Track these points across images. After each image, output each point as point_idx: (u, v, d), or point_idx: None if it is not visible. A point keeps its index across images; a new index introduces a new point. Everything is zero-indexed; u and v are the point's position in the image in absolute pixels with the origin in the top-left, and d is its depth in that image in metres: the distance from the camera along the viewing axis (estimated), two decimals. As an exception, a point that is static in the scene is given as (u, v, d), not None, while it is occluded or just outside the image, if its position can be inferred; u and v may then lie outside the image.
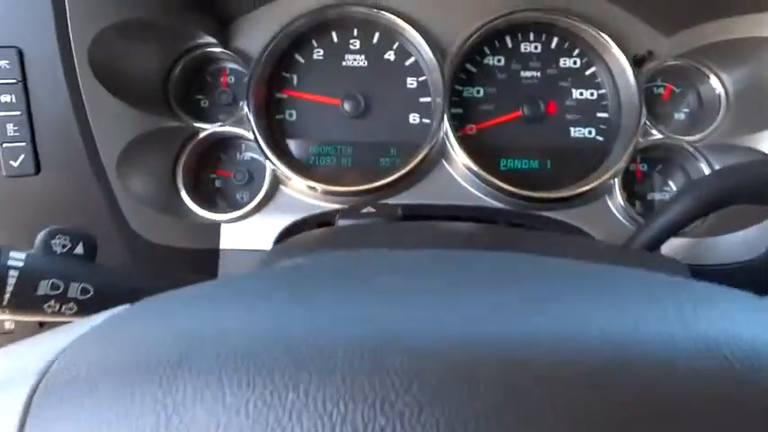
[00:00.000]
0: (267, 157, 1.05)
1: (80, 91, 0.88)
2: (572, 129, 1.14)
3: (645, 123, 1.07)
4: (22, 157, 0.85)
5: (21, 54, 0.85)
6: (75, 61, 0.87)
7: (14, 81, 0.84)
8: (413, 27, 1.07)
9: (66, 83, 0.86)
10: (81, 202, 0.90)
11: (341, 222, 0.80)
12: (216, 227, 1.06)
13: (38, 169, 0.87)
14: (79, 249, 0.69)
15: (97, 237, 0.65)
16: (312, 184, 1.05)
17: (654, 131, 1.07)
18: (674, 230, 0.80)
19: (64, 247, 0.68)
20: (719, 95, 1.08)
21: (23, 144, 0.85)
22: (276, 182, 1.08)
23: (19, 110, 0.85)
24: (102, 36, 0.89)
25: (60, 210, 0.90)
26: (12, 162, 0.86)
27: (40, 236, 0.66)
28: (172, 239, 0.99)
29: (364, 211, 0.82)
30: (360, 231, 0.76)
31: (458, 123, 1.13)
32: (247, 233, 1.06)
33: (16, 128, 0.85)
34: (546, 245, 0.72)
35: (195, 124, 1.08)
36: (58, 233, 0.67)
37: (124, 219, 0.92)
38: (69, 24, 0.86)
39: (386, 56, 1.14)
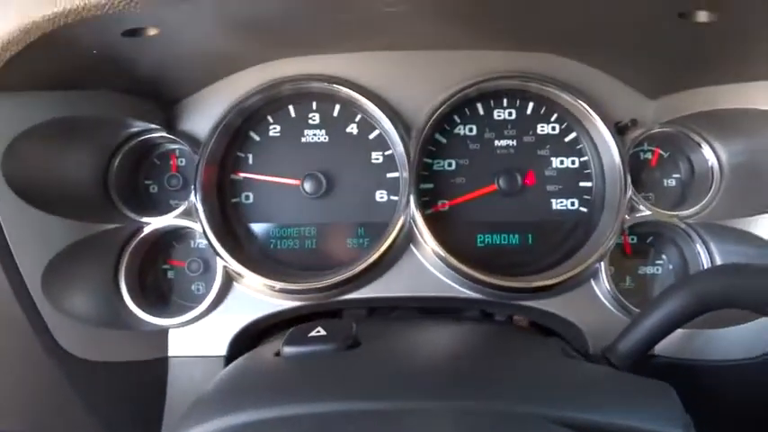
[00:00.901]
0: (217, 253, 0.94)
1: (-7, 206, 0.77)
2: (553, 200, 1.04)
3: (631, 197, 0.95)
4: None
5: None
6: (-14, 175, 0.77)
7: None
8: (372, 101, 0.97)
9: (-25, 199, 0.76)
10: (3, 328, 0.79)
11: (286, 351, 0.69)
12: (163, 333, 0.95)
13: (-50, 296, 0.76)
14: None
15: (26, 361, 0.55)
16: (268, 282, 0.94)
17: (641, 207, 0.97)
18: (666, 332, 0.69)
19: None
20: (712, 167, 0.98)
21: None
22: (229, 279, 0.98)
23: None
24: (21, 142, 0.79)
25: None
26: None
27: None
28: (113, 354, 0.89)
29: (313, 334, 0.71)
30: (305, 367, 0.65)
31: (429, 199, 1.03)
32: (198, 337, 0.96)
33: None
34: (524, 370, 0.62)
35: (140, 219, 0.97)
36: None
37: (54, 340, 0.82)
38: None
39: (348, 129, 1.04)
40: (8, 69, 0.68)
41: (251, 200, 1.04)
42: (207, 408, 0.59)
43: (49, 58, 0.69)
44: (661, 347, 0.90)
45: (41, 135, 0.81)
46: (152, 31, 0.69)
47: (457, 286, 0.96)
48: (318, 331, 0.71)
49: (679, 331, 0.88)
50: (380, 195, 1.03)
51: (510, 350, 0.78)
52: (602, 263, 0.94)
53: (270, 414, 0.55)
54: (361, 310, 1.06)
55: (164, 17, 0.63)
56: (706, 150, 0.97)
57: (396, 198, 1.01)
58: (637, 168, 1.00)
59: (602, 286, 0.94)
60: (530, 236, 1.03)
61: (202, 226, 0.95)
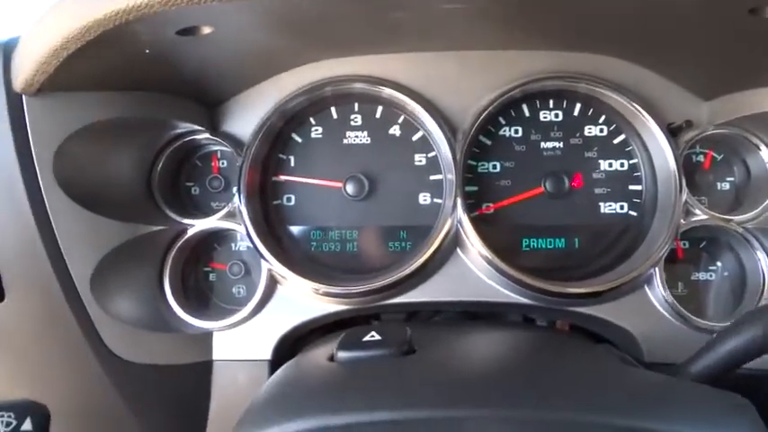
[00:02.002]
0: (262, 256, 0.93)
1: (45, 207, 0.77)
2: (601, 204, 1.00)
3: (686, 201, 0.92)
4: (-18, 285, 0.74)
5: (-25, 174, 0.74)
6: (39, 176, 0.76)
7: (-31, 205, 0.73)
8: (416, 101, 0.95)
9: (28, 200, 0.75)
10: (52, 329, 0.78)
11: (340, 356, 0.67)
12: (208, 336, 0.94)
13: (1, 296, 0.76)
14: (27, 425, 0.57)
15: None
16: (313, 285, 0.92)
17: (697, 211, 0.93)
18: (749, 358, 0.65)
19: (8, 425, 0.56)
20: (772, 169, 0.93)
21: (-17, 271, 0.74)
22: (273, 282, 0.96)
23: (-24, 234, 0.73)
24: (71, 143, 0.78)
25: (28, 339, 0.78)
26: (-29, 291, 0.74)
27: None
28: (159, 357, 0.87)
29: (367, 339, 0.69)
30: (363, 373, 0.63)
31: (473, 202, 1.00)
32: (243, 341, 0.95)
33: (-26, 254, 0.73)
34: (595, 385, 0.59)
35: (183, 221, 0.96)
36: (0, 410, 0.55)
37: (101, 342, 0.81)
38: (30, 135, 0.75)
39: (391, 131, 1.02)
40: (64, 69, 0.67)
41: (292, 202, 1.02)
42: (265, 414, 0.57)
43: (103, 57, 0.68)
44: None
45: (91, 136, 0.81)
46: (206, 30, 0.67)
47: (504, 290, 0.94)
48: (373, 336, 0.68)
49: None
50: (423, 198, 1.00)
51: (567, 357, 0.75)
52: (657, 268, 0.91)
53: (332, 421, 0.53)
54: (400, 313, 1.04)
55: (221, 15, 0.62)
56: (764, 152, 0.93)
57: (439, 201, 0.99)
58: (689, 171, 0.97)
59: (656, 292, 0.91)
60: (576, 239, 1.00)
61: (246, 228, 0.93)
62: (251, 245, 0.95)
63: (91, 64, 0.70)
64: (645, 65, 0.96)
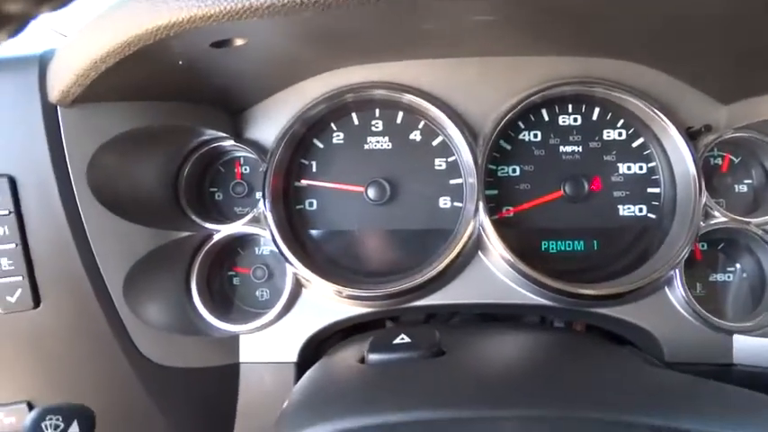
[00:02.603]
0: (287, 260, 0.94)
1: (80, 215, 0.78)
2: (620, 207, 1.01)
3: (705, 204, 0.92)
4: (19, 291, 0.76)
5: (13, 182, 0.76)
6: (73, 184, 0.77)
7: (7, 212, 0.75)
8: (437, 107, 0.96)
9: (63, 209, 0.77)
10: (86, 334, 0.80)
11: (371, 358, 0.68)
12: (234, 339, 0.95)
13: (37, 303, 0.77)
14: (74, 428, 0.58)
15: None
16: (337, 288, 0.93)
17: (716, 213, 0.94)
18: None
19: (56, 428, 0.58)
20: (791, 172, 0.94)
21: (20, 278, 0.76)
22: (298, 285, 0.97)
23: (13, 241, 0.75)
24: (103, 153, 0.80)
25: (63, 344, 0.80)
26: (8, 297, 0.76)
27: (30, 417, 0.56)
28: (188, 360, 0.89)
29: (397, 341, 0.70)
30: (395, 375, 0.64)
31: (493, 206, 1.01)
32: (269, 343, 0.96)
33: (11, 261, 0.76)
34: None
35: (208, 226, 0.98)
36: (48, 413, 0.57)
37: (134, 346, 0.82)
38: (65, 145, 0.77)
39: (411, 136, 1.03)
40: (100, 81, 0.69)
41: (315, 207, 1.03)
42: (301, 415, 0.58)
43: (138, 69, 0.70)
44: (741, 356, 0.87)
45: (122, 145, 0.82)
46: (239, 42, 0.69)
47: (525, 292, 0.95)
48: (402, 338, 0.70)
49: (756, 341, 0.86)
50: (444, 202, 1.01)
51: (592, 358, 0.76)
52: (678, 270, 0.92)
53: (367, 422, 0.54)
54: (419, 315, 1.05)
55: (256, 28, 0.63)
56: (784, 155, 0.94)
57: (459, 204, 1.00)
58: (707, 174, 0.97)
59: (676, 293, 0.92)
60: (595, 242, 1.01)
61: (271, 233, 0.95)
62: (274, 249, 0.96)
63: (126, 76, 0.71)
64: (664, 69, 0.97)
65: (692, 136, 0.95)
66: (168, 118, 0.89)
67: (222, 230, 0.97)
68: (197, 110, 0.94)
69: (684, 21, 0.74)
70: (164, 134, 0.91)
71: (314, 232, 1.04)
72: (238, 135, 1.02)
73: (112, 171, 0.83)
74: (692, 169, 0.92)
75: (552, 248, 1.01)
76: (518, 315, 1.06)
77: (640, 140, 1.01)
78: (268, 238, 0.97)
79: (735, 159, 1.01)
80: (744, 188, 1.01)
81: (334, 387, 0.64)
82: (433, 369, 0.64)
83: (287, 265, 0.95)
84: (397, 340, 0.69)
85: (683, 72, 0.95)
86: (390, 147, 1.02)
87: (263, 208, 0.96)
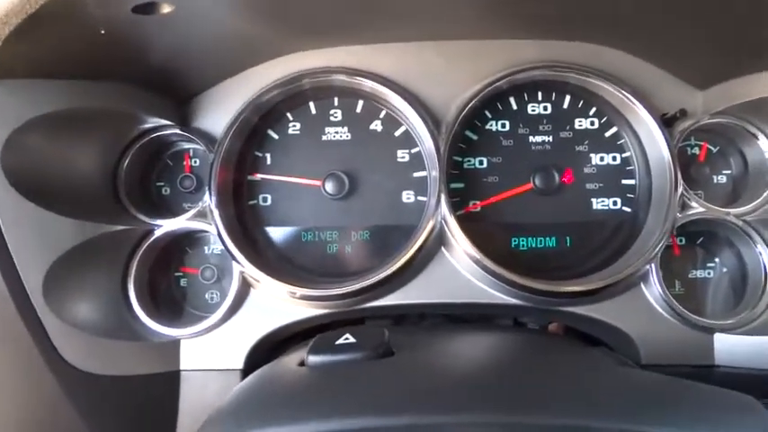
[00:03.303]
0: (234, 258, 0.86)
1: (-8, 204, 0.69)
2: (594, 200, 0.95)
3: (682, 194, 0.87)
4: None
5: None
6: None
7: None
8: (398, 94, 0.90)
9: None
10: (1, 337, 0.71)
11: (311, 360, 0.60)
12: (175, 345, 0.87)
13: (-58, 302, 0.68)
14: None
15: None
16: (289, 288, 0.86)
17: (693, 204, 0.88)
18: None
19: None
20: (769, 158, 0.88)
21: None
22: (246, 285, 0.90)
23: None
24: (22, 135, 0.71)
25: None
26: None
27: None
28: (121, 368, 0.80)
29: (341, 342, 0.63)
30: (333, 378, 0.57)
31: (459, 200, 0.95)
32: (212, 349, 0.88)
33: None
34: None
35: (148, 220, 0.89)
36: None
37: (56, 352, 0.73)
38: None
39: (372, 126, 0.97)
40: (9, 49, 0.61)
41: (269, 202, 0.97)
42: (223, 424, 0.50)
43: (53, 37, 0.62)
44: (723, 357, 0.81)
45: (46, 127, 0.74)
46: (166, 8, 0.62)
47: (493, 291, 0.88)
48: (347, 339, 0.62)
49: (738, 339, 0.80)
50: (407, 196, 0.95)
51: (555, 359, 0.69)
52: (653, 265, 0.86)
53: (297, 429, 0.47)
54: (387, 319, 0.98)
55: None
56: (763, 142, 0.89)
57: (423, 199, 0.94)
58: (684, 164, 0.92)
59: (653, 290, 0.86)
60: (568, 238, 0.95)
61: (217, 228, 0.88)
62: (223, 247, 0.88)
63: (40, 45, 0.63)
64: (637, 54, 0.92)
65: (666, 123, 0.90)
66: (104, 101, 0.82)
67: (164, 226, 0.90)
68: (138, 94, 0.87)
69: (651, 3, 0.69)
70: (100, 119, 0.83)
71: (268, 229, 0.97)
72: (186, 124, 0.95)
73: (35, 156, 0.75)
74: (667, 158, 0.87)
75: (523, 245, 0.95)
76: (491, 316, 0.99)
77: (614, 129, 0.95)
78: (214, 235, 0.89)
79: (713, 148, 0.96)
80: (723, 178, 0.96)
81: (265, 393, 0.56)
82: (377, 371, 0.56)
83: (233, 263, 0.87)
84: (341, 341, 0.61)
85: (657, 56, 0.90)
86: (350, 138, 0.96)
87: (210, 202, 0.88)
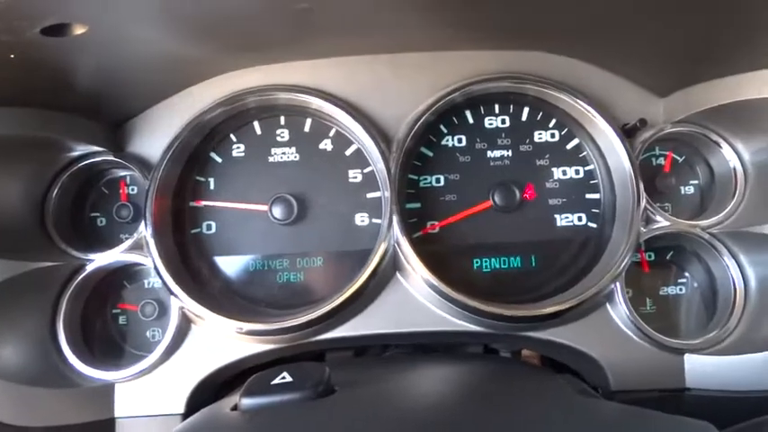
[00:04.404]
0: (172, 292, 0.86)
1: None
2: (557, 216, 0.97)
3: (646, 207, 0.88)
4: None
5: None
6: None
7: None
8: (346, 112, 0.91)
9: None
10: None
11: (244, 403, 0.60)
12: (108, 390, 0.86)
13: None
14: None
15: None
16: (234, 323, 0.85)
17: (658, 218, 0.90)
18: None
19: None
20: (735, 168, 0.92)
21: None
22: (187, 322, 0.89)
23: None
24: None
25: None
26: None
27: None
28: (48, 418, 0.79)
29: (277, 382, 0.62)
30: (265, 422, 0.56)
31: (416, 221, 0.96)
32: (150, 393, 0.87)
33: None
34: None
35: (81, 255, 0.89)
36: None
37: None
38: None
39: (321, 146, 0.98)
40: None
41: (213, 230, 0.96)
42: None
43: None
44: (694, 379, 0.81)
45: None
46: (79, 29, 0.62)
47: (452, 318, 0.89)
48: (284, 378, 0.62)
49: (709, 360, 0.80)
50: (361, 219, 0.96)
51: (513, 391, 0.69)
52: (618, 283, 0.86)
53: None
54: (347, 352, 0.98)
55: (85, 9, 0.56)
56: (726, 150, 0.91)
57: (378, 221, 0.94)
58: (649, 175, 0.94)
59: (619, 310, 0.87)
60: (533, 257, 0.96)
61: (154, 261, 0.87)
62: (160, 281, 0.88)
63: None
64: (595, 62, 0.94)
65: (627, 133, 0.92)
66: (25, 128, 0.81)
67: (96, 260, 0.88)
68: (65, 120, 0.87)
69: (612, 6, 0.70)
70: (22, 147, 0.83)
71: (213, 259, 0.96)
72: (120, 149, 0.95)
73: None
74: (629, 169, 0.89)
75: (486, 266, 0.96)
76: (457, 345, 0.99)
77: (575, 141, 0.97)
78: (152, 268, 0.88)
79: (678, 158, 0.98)
80: (690, 189, 0.98)
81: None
82: (314, 412, 0.56)
83: (172, 298, 0.86)
84: (277, 380, 0.61)
85: (616, 64, 0.93)
86: (298, 158, 0.97)
87: (146, 232, 0.88)
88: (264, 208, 0.94)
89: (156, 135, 0.93)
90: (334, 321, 0.87)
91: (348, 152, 0.97)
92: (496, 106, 0.98)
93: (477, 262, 0.96)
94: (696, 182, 0.97)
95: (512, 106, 0.97)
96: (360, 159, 0.96)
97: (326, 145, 0.97)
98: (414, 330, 0.88)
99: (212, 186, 0.96)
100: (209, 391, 0.87)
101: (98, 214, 0.98)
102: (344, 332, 0.88)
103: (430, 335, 0.89)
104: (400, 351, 1.00)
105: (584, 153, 0.96)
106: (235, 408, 0.60)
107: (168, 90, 0.94)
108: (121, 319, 0.96)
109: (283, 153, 0.97)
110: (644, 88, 0.94)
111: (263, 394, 0.59)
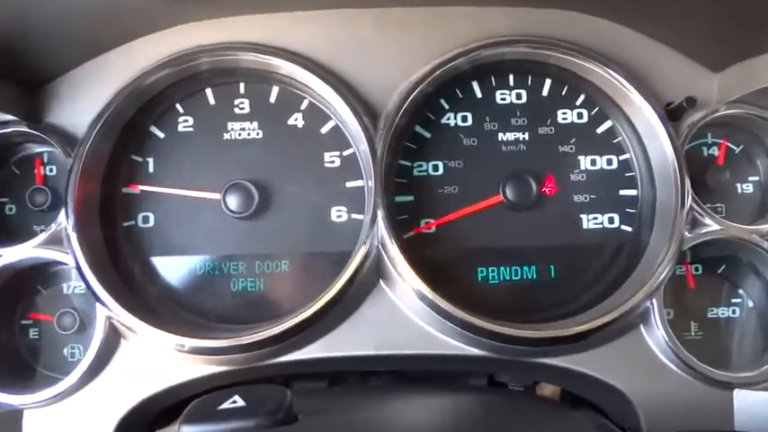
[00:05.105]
0: (98, 298, 0.87)
1: None
2: (583, 216, 0.98)
3: (692, 207, 0.90)
4: None
5: None
6: None
7: None
8: (324, 80, 0.92)
9: None
10: None
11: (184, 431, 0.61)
12: (14, 416, 0.87)
13: None
14: None
15: None
16: (175, 338, 0.87)
17: (707, 221, 0.92)
18: None
19: None
20: (806, 159, 0.93)
21: None
22: (116, 336, 0.90)
23: None
24: None
25: None
26: None
27: None
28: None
29: (226, 406, 0.64)
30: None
31: (408, 217, 0.97)
32: (69, 422, 0.88)
33: None
34: None
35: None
36: None
37: None
38: None
39: (290, 121, 0.99)
40: None
41: (151, 223, 0.98)
42: None
43: None
44: (745, 420, 0.84)
45: None
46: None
47: (449, 339, 0.90)
48: (234, 402, 0.63)
49: (765, 398, 0.83)
50: (338, 213, 0.97)
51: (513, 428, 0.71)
52: (655, 301, 0.88)
53: None
54: (319, 381, 0.99)
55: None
56: (795, 139, 0.92)
57: (359, 217, 0.95)
58: (698, 169, 0.95)
59: (656, 334, 0.89)
60: (552, 267, 0.98)
61: (76, 259, 0.88)
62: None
63: None
64: (633, 25, 0.96)
65: (672, 115, 0.93)
66: None
67: (3, 256, 0.90)
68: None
69: None
70: None
71: (150, 260, 0.97)
72: (37, 120, 0.96)
73: None
74: (672, 159, 0.90)
75: (493, 277, 0.98)
76: (454, 374, 1.01)
77: (607, 124, 0.99)
78: (72, 268, 0.90)
79: (735, 148, 1.00)
80: (749, 187, 1.00)
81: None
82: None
83: (97, 306, 0.88)
84: (226, 405, 0.62)
85: (660, 29, 0.94)
86: (261, 136, 0.98)
87: (66, 224, 0.89)
88: (217, 197, 0.95)
89: (83, 102, 0.95)
90: (302, 340, 0.88)
91: (324, 130, 0.98)
92: (510, 77, 0.99)
93: (482, 271, 0.97)
94: (756, 178, 0.99)
95: (529, 77, 0.99)
96: (338, 139, 0.97)
97: (297, 120, 0.98)
98: (401, 353, 0.89)
99: (151, 168, 0.98)
100: (142, 422, 0.88)
101: (6, 200, 0.99)
102: (314, 353, 0.89)
103: (421, 359, 0.90)
104: (385, 381, 1.02)
105: (619, 138, 0.98)
106: None
107: (99, 46, 0.94)
108: (32, 332, 0.97)
109: (242, 129, 0.98)
110: (693, 59, 0.95)
111: (208, 421, 0.61)
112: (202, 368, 0.89)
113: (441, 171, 0.98)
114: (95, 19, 0.89)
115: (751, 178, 1.00)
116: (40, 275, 0.97)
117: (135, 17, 0.92)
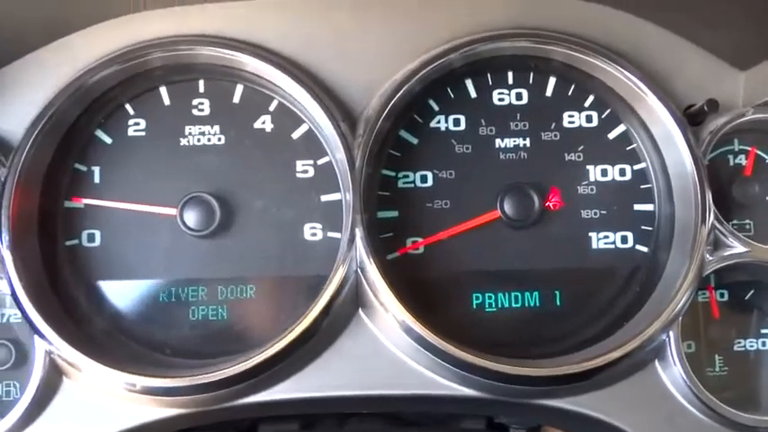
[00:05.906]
0: (36, 330, 0.93)
1: None
2: (593, 235, 1.04)
3: (715, 225, 0.96)
4: None
5: None
6: None
7: None
8: (295, 79, 0.97)
9: None
10: None
11: None
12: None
13: None
14: None
15: None
16: (126, 377, 0.91)
17: (733, 240, 0.97)
18: None
19: None
20: None
21: None
22: (57, 373, 0.95)
23: None
24: None
25: None
26: None
27: None
28: None
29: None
30: None
31: (392, 235, 1.03)
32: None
33: None
34: None
35: None
36: None
37: None
38: None
39: (257, 125, 1.04)
40: None
41: (97, 242, 1.02)
42: None
43: None
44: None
45: None
46: None
47: (438, 378, 0.95)
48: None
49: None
50: (312, 231, 1.03)
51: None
52: (671, 332, 0.94)
53: None
54: (290, 424, 1.04)
55: None
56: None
57: (335, 235, 1.01)
58: (723, 180, 1.02)
59: (672, 371, 0.94)
60: (556, 292, 1.03)
61: (11, 284, 0.93)
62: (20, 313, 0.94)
63: None
64: (651, 17, 1.01)
65: (692, 119, 0.99)
66: None
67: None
68: None
69: None
70: None
71: (95, 284, 1.02)
72: (-36, 123, 0.99)
73: None
74: (691, 170, 0.95)
75: (490, 304, 1.03)
76: (447, 417, 1.06)
77: (620, 129, 1.05)
78: (6, 294, 0.95)
79: (765, 156, 1.05)
80: (783, 202, 1.04)
81: None
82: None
83: (36, 339, 0.93)
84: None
85: (681, 20, 0.99)
86: (223, 142, 1.03)
87: (0, 244, 0.94)
88: (173, 212, 1.00)
89: (18, 103, 0.99)
90: (271, 378, 0.93)
91: (295, 135, 1.03)
92: (510, 75, 1.05)
93: (477, 297, 1.03)
94: (791, 190, 1.03)
95: (531, 75, 1.04)
96: (311, 146, 1.03)
97: (264, 123, 1.03)
98: (383, 393, 0.95)
99: (97, 179, 1.03)
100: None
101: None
102: (284, 394, 0.94)
103: (407, 401, 0.96)
104: (367, 424, 1.07)
105: (633, 146, 1.04)
106: None
107: (36, 39, 0.99)
108: (-39, 368, 1.00)
109: (201, 133, 1.03)
110: (719, 56, 1.01)
111: None
112: (157, 411, 0.94)
113: (429, 183, 1.04)
114: (31, 7, 0.94)
115: (784, 190, 1.04)
116: (-34, 304, 1.00)
117: (74, 4, 0.98)
